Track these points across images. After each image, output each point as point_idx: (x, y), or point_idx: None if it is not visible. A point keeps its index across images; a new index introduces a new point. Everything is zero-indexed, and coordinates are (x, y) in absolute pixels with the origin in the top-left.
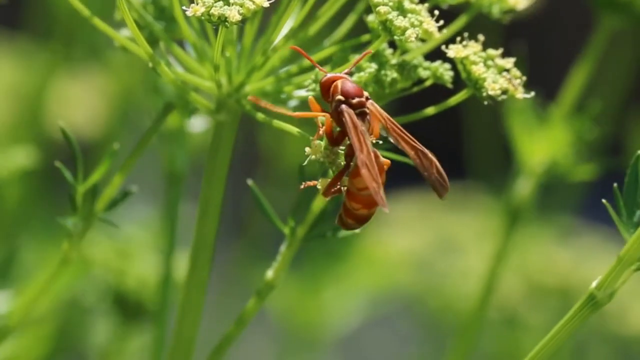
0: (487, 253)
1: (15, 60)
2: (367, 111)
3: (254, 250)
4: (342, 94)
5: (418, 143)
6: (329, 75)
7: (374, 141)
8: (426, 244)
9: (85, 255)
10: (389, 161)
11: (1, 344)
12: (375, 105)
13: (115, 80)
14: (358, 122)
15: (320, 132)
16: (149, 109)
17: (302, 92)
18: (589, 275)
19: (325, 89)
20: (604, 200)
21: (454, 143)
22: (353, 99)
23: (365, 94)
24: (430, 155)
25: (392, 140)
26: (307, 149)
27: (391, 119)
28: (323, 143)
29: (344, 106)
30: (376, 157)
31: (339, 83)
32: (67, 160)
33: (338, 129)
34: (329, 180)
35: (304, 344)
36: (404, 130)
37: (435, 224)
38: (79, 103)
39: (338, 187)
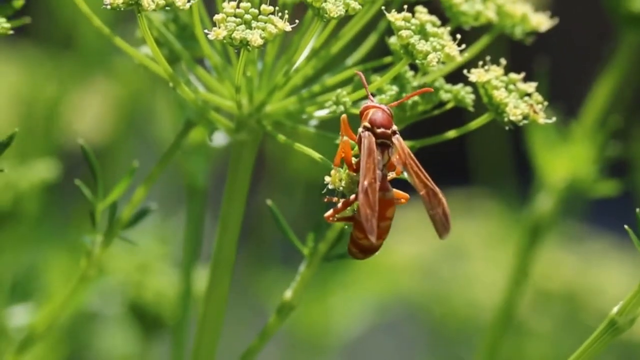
0: (493, 259)
1: (20, 67)
2: (390, 144)
3: (261, 255)
4: (369, 121)
5: (431, 182)
6: (368, 103)
7: (391, 175)
8: (432, 251)
9: (103, 266)
10: (407, 195)
11: (24, 355)
12: (401, 140)
13: (122, 86)
14: (375, 151)
15: (341, 156)
16: (156, 116)
17: (323, 112)
18: (595, 282)
19: (360, 116)
20: (626, 226)
21: (459, 150)
22: (378, 128)
23: (394, 127)
24: (440, 195)
25: (406, 176)
26: (327, 178)
27: (412, 155)
28: (342, 172)
29: (366, 133)
30: (385, 189)
31: (370, 111)
32: (75, 166)
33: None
34: (338, 205)
35: (309, 350)
36: (421, 168)
37: None
38: (85, 109)
39: (347, 215)
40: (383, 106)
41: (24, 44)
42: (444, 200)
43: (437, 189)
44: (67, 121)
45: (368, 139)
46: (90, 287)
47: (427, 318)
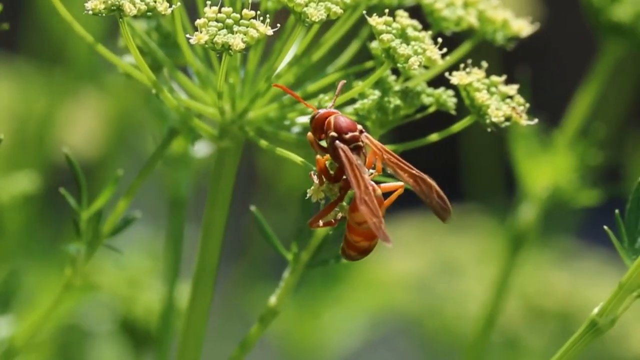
0: (486, 275)
1: (11, 82)
2: (362, 145)
3: (253, 272)
4: (335, 129)
5: (415, 169)
6: (321, 111)
7: (371, 173)
8: (425, 266)
9: (92, 280)
10: (400, 184)
11: None
12: (370, 137)
13: (113, 102)
14: (353, 157)
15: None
16: (147, 131)
17: (305, 119)
18: (588, 298)
19: (318, 125)
20: (605, 227)
21: (452, 165)
22: (346, 134)
23: (359, 127)
24: (429, 180)
25: (389, 171)
26: (309, 191)
27: (386, 149)
28: (324, 185)
29: (337, 142)
30: (374, 190)
31: (331, 119)
32: (67, 181)
33: (336, 165)
34: (318, 212)
35: None
36: (400, 159)
37: (434, 246)
38: (77, 125)
39: (329, 220)
40: (336, 110)
41: (15, 59)
42: (434, 183)
43: (423, 175)
44: (59, 136)
45: (342, 148)
46: (81, 302)
47: (421, 333)
